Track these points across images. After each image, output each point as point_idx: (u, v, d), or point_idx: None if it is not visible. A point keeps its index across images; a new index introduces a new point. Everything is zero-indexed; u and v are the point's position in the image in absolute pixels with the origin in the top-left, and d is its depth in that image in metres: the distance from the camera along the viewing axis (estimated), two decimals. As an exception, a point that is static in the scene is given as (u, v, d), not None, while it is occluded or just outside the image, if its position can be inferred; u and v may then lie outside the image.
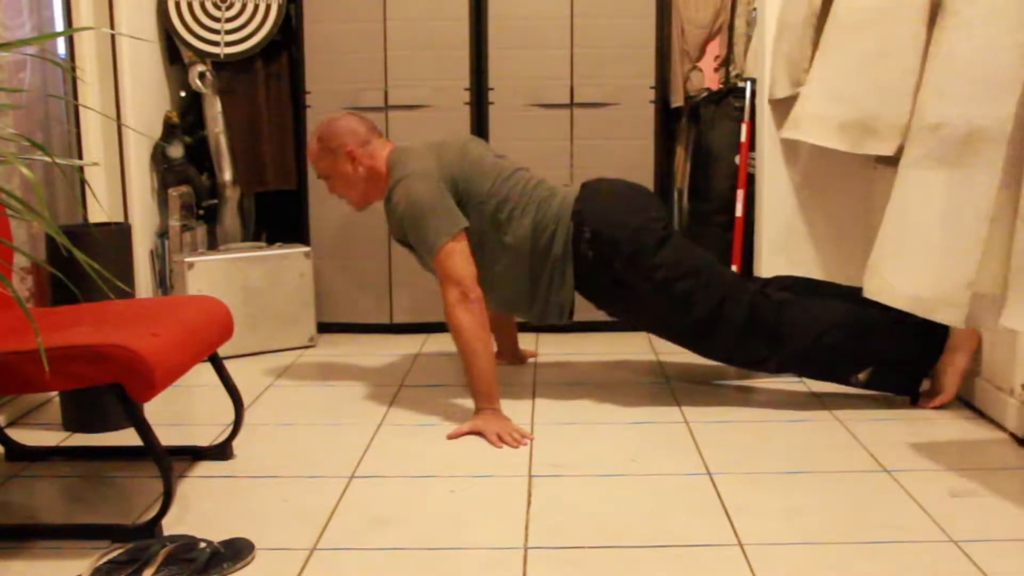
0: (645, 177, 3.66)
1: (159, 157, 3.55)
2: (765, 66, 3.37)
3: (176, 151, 3.56)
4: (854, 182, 3.37)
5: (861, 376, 2.67)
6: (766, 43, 3.36)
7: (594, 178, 2.90)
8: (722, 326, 2.67)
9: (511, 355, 3.26)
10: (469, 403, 2.72)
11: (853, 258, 3.36)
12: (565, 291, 2.73)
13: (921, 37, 2.50)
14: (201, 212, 3.65)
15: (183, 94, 3.76)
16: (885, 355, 2.66)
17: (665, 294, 2.67)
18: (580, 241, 2.69)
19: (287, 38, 3.70)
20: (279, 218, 3.88)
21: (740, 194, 3.54)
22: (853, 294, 2.87)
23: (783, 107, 3.26)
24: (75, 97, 3.16)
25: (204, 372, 2.42)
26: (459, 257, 2.60)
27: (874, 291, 2.48)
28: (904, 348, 2.65)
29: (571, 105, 3.63)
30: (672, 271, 2.67)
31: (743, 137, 3.54)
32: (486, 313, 2.60)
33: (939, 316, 2.27)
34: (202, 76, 3.62)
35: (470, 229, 2.66)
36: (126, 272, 2.69)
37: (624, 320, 2.81)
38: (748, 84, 3.54)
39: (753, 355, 2.69)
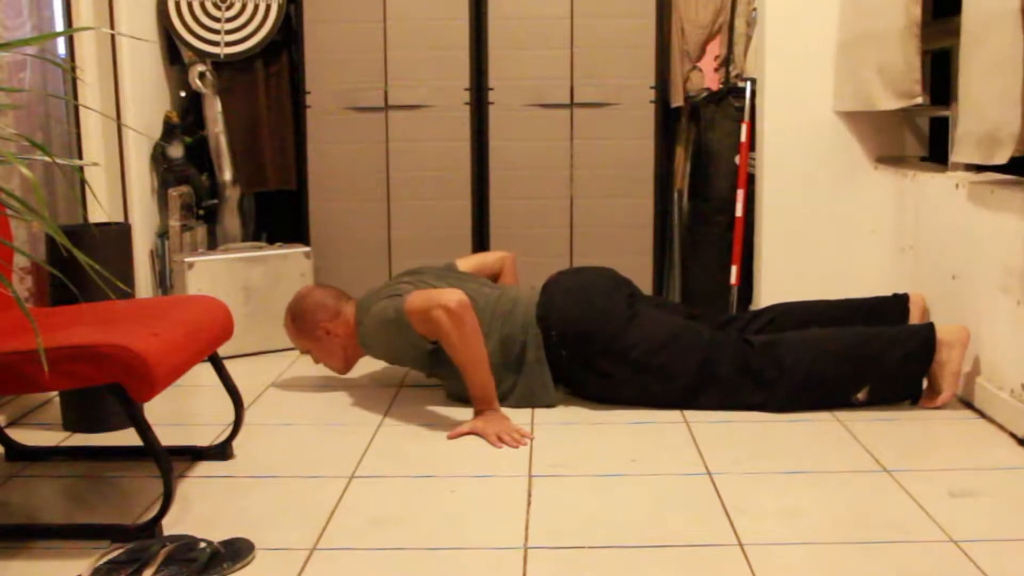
0: (645, 177, 3.66)
1: (159, 157, 3.55)
2: (766, 66, 3.37)
3: (176, 151, 3.56)
4: (854, 182, 3.37)
5: (860, 395, 2.67)
6: (766, 43, 3.36)
7: (554, 274, 2.92)
8: (711, 384, 2.68)
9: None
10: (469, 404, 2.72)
11: (853, 258, 3.36)
12: (547, 394, 2.76)
13: (1020, 42, 2.48)
14: (201, 212, 3.65)
15: (183, 94, 3.76)
16: (879, 368, 2.65)
17: (645, 371, 2.69)
18: (551, 344, 2.72)
19: (287, 38, 3.70)
20: (279, 218, 3.88)
21: (740, 194, 3.54)
22: (834, 313, 2.87)
23: (865, 119, 3.26)
24: (75, 97, 3.16)
25: (204, 372, 2.42)
26: (423, 290, 2.64)
27: None
28: (896, 356, 2.64)
29: (571, 105, 3.63)
30: (647, 347, 2.68)
31: (743, 137, 3.54)
32: (476, 319, 2.59)
33: None
34: (202, 76, 3.62)
35: (439, 349, 2.65)
36: (126, 272, 2.69)
37: (613, 402, 2.81)
38: (748, 84, 3.55)
39: (749, 402, 2.68)
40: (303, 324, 2.89)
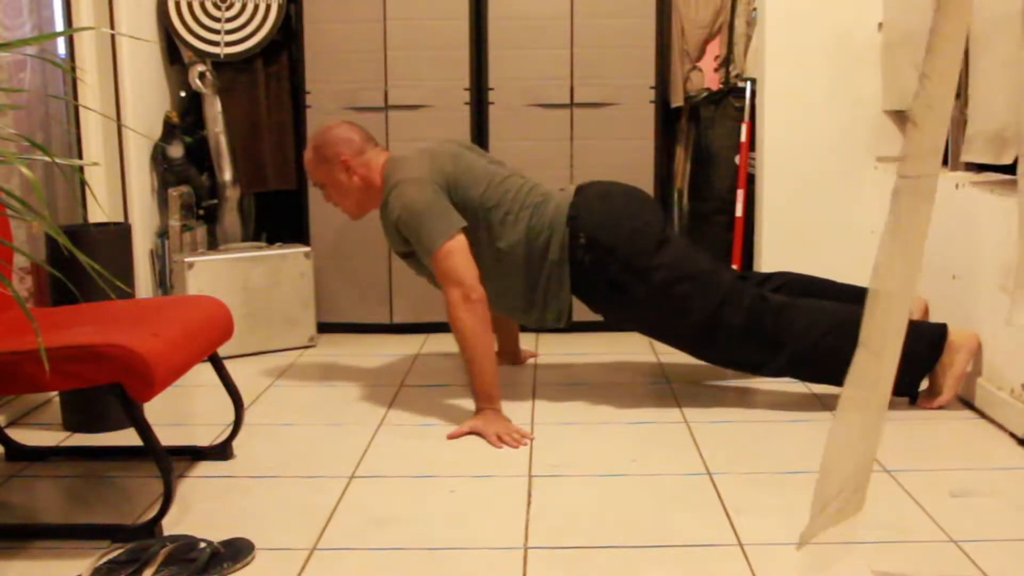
0: (645, 177, 3.65)
1: (159, 157, 3.55)
2: (766, 66, 3.37)
3: (176, 151, 3.56)
4: (854, 182, 3.37)
5: None
6: (766, 43, 3.36)
7: (588, 181, 2.89)
8: (720, 330, 2.66)
9: (511, 355, 3.26)
10: (469, 403, 2.72)
11: (853, 258, 3.36)
12: (563, 296, 2.73)
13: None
14: (201, 212, 3.65)
15: (183, 94, 3.76)
16: None
17: (662, 298, 2.67)
18: (576, 247, 2.68)
19: (287, 38, 3.70)
20: (279, 218, 3.88)
21: (740, 194, 3.54)
22: (850, 293, 2.87)
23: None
24: (75, 97, 3.16)
25: (204, 372, 2.42)
26: (458, 257, 2.59)
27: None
28: (903, 349, 2.64)
29: (571, 105, 3.62)
30: (669, 274, 2.66)
31: (743, 137, 3.54)
32: (488, 313, 2.60)
33: None
34: (202, 76, 3.62)
35: (465, 232, 2.65)
36: (126, 272, 2.69)
37: (621, 324, 2.80)
38: (748, 84, 3.55)
39: (751, 359, 2.69)
40: (323, 153, 2.78)
